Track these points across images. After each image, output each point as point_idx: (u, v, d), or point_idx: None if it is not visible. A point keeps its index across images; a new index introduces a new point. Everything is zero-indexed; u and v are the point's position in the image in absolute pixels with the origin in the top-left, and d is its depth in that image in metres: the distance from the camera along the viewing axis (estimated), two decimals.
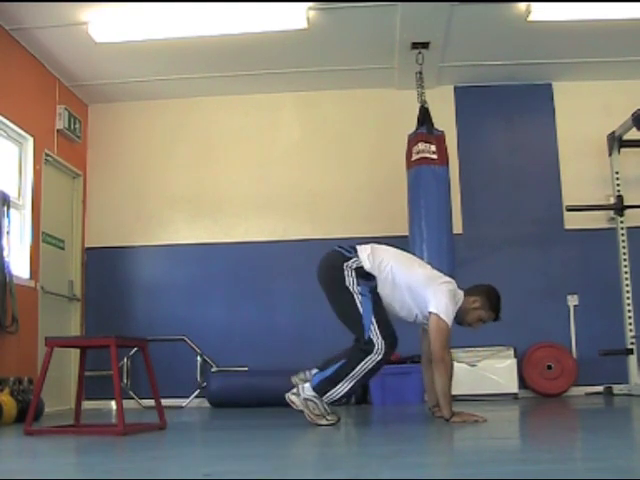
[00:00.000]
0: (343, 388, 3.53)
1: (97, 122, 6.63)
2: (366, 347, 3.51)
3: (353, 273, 3.60)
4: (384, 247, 3.79)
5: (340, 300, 3.64)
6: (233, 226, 6.41)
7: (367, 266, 3.62)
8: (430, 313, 3.57)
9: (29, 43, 5.45)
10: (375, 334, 3.52)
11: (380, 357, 3.51)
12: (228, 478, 2.09)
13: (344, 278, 3.60)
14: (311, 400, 3.57)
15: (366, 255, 3.66)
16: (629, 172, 6.10)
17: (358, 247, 3.72)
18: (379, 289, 3.63)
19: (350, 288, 3.58)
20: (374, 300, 3.59)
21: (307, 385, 3.59)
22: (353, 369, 3.51)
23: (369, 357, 3.51)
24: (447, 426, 3.41)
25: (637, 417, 4.09)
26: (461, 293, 3.76)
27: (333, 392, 3.54)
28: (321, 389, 3.55)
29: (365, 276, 3.61)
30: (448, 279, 3.75)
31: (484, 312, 3.77)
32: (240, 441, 3.17)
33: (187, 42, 5.46)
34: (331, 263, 3.69)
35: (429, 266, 3.86)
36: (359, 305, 3.56)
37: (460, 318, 3.73)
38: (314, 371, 3.61)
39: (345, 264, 3.62)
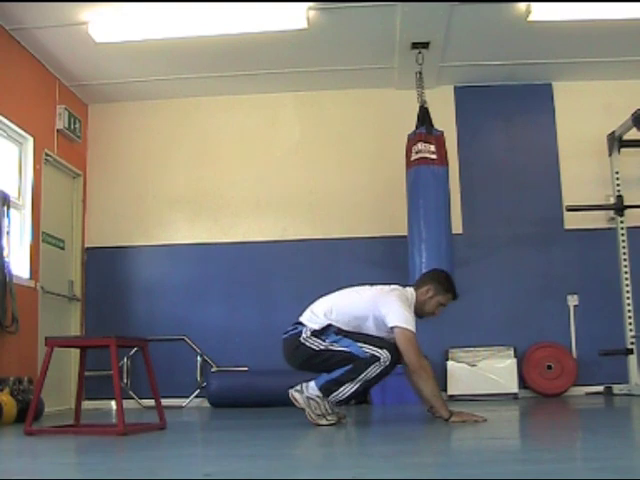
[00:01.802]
0: (349, 389, 3.54)
1: (97, 122, 6.63)
2: (372, 360, 3.51)
3: (312, 337, 3.62)
4: (320, 300, 3.78)
5: (324, 361, 3.59)
6: (233, 226, 6.41)
7: (317, 326, 3.63)
8: (392, 328, 3.56)
9: (29, 43, 5.45)
10: (373, 350, 3.52)
11: (388, 362, 3.51)
12: (228, 478, 2.09)
13: (310, 347, 3.60)
14: (314, 399, 3.57)
15: (308, 318, 3.69)
16: (629, 172, 6.10)
17: (300, 318, 3.73)
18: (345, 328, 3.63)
19: (322, 347, 3.58)
20: (347, 335, 3.59)
21: (312, 384, 3.58)
22: (360, 374, 3.52)
23: (377, 364, 3.51)
24: (447, 426, 3.41)
25: (637, 417, 4.08)
26: (410, 290, 3.77)
27: (339, 392, 3.54)
28: (326, 389, 3.55)
29: (323, 331, 3.62)
30: (392, 287, 3.74)
31: (441, 297, 3.78)
32: (240, 441, 3.17)
33: (187, 42, 5.46)
34: (292, 349, 3.69)
35: (367, 286, 3.82)
36: (340, 348, 3.56)
37: (420, 312, 3.74)
38: (311, 383, 3.60)
39: (300, 339, 3.63)
